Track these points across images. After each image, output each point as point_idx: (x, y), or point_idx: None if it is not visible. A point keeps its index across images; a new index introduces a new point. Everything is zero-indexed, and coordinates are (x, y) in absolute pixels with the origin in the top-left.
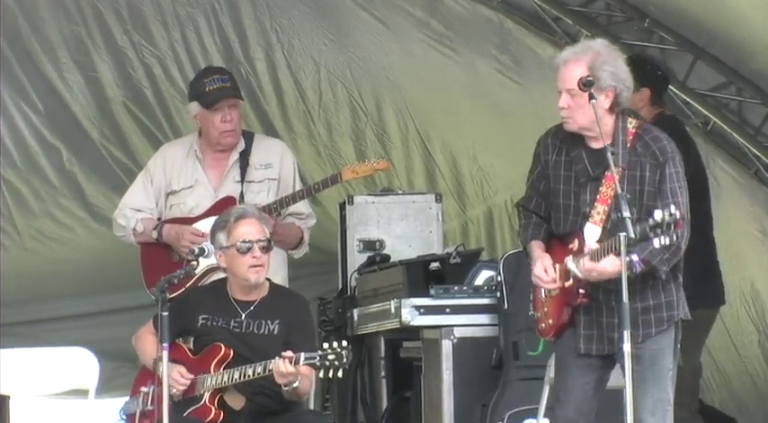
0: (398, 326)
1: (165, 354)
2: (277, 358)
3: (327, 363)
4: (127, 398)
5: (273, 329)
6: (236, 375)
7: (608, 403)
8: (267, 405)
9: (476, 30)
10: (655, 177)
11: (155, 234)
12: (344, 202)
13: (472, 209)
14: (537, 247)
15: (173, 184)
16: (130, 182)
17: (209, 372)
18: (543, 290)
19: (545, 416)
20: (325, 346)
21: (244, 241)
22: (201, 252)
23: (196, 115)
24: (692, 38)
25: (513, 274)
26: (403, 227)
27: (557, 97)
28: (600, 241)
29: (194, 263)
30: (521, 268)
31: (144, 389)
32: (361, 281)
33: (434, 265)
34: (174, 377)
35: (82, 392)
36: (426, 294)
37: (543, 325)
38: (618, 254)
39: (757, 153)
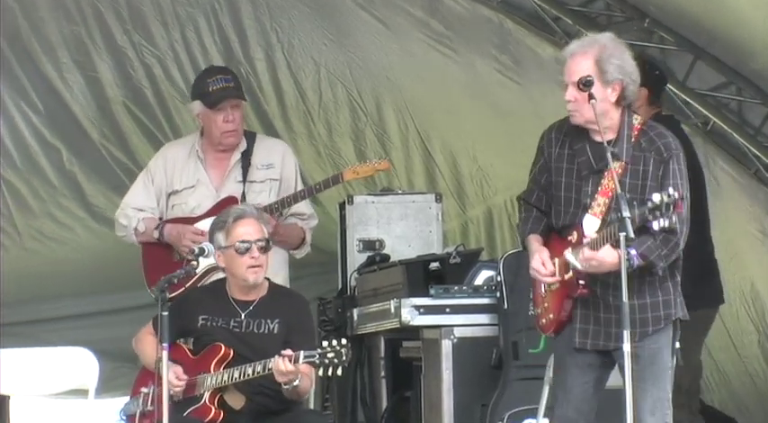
0: (398, 326)
1: (164, 354)
2: (277, 357)
3: (327, 361)
4: (127, 398)
5: (273, 329)
6: (236, 375)
7: (607, 403)
8: (267, 404)
9: (476, 30)
10: (658, 173)
11: (156, 234)
12: (344, 202)
13: (472, 209)
14: (535, 241)
15: (174, 183)
16: (130, 182)
17: (210, 372)
18: (543, 285)
19: (545, 416)
20: (325, 344)
21: (242, 241)
22: (201, 252)
23: (198, 114)
24: (692, 38)
25: (512, 274)
26: (403, 227)
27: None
28: (599, 231)
29: (194, 263)
30: (520, 268)
31: (144, 389)
32: (360, 281)
33: (434, 264)
34: (170, 378)
35: (82, 392)
36: (426, 294)
37: (544, 320)
38: (616, 244)
39: (757, 153)
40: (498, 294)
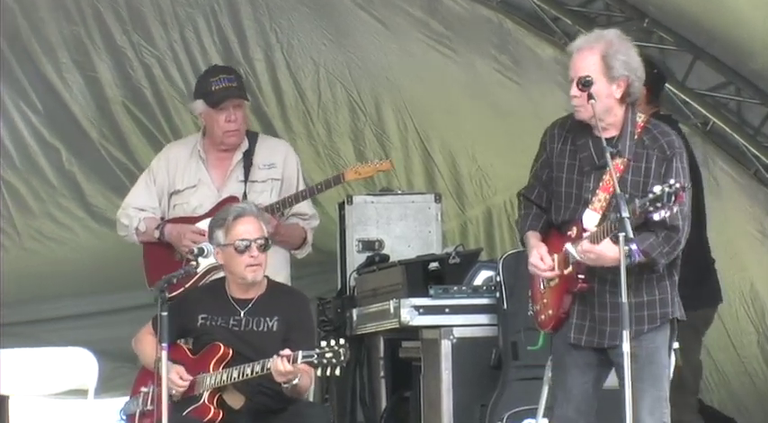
0: (397, 326)
1: (164, 354)
2: (275, 357)
3: (325, 361)
4: (126, 398)
5: (272, 326)
6: (235, 374)
7: (605, 403)
8: (267, 404)
9: (475, 30)
10: (660, 170)
11: (157, 233)
12: (344, 202)
13: (471, 209)
14: (533, 237)
15: (176, 183)
16: (130, 182)
17: (209, 371)
18: (542, 281)
19: (544, 416)
20: (323, 344)
21: (242, 240)
22: (201, 252)
23: (201, 114)
24: (691, 38)
25: (512, 274)
26: (402, 227)
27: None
28: (599, 226)
29: (193, 263)
30: (520, 268)
31: (144, 389)
32: (360, 281)
33: (434, 265)
34: (173, 378)
35: (81, 392)
36: (425, 294)
37: (543, 316)
38: (616, 238)
39: (757, 153)
40: (498, 295)
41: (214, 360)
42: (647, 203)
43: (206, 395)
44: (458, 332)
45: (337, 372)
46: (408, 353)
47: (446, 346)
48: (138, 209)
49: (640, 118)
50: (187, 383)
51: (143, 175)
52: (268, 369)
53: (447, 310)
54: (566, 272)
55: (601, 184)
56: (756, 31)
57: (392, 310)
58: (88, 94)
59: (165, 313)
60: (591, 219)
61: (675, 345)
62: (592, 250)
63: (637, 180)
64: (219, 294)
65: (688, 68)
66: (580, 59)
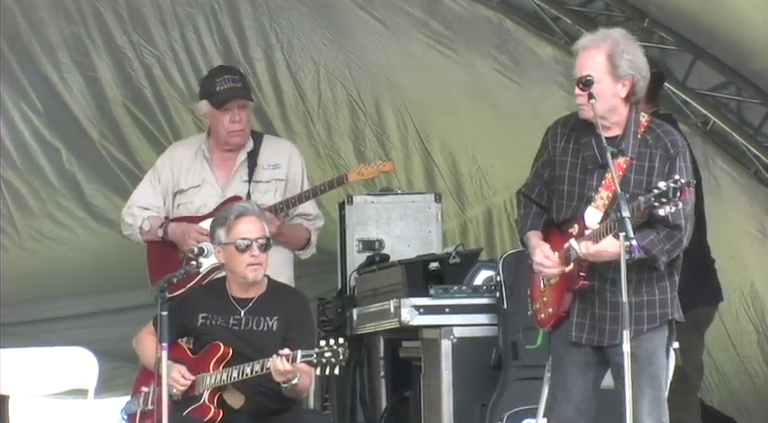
0: (398, 326)
1: (164, 353)
2: (274, 356)
3: (324, 360)
4: (126, 398)
5: (272, 326)
6: (235, 374)
7: (603, 403)
8: (266, 404)
9: (475, 30)
10: (664, 169)
11: (160, 232)
12: (344, 202)
13: (471, 209)
14: (535, 236)
15: (180, 183)
16: (130, 182)
17: (209, 371)
18: (541, 280)
19: (544, 415)
20: (322, 343)
21: (243, 239)
22: (201, 252)
23: (205, 114)
24: (691, 38)
25: (512, 274)
26: (402, 227)
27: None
28: (601, 223)
29: (194, 262)
30: (520, 268)
31: (144, 389)
32: (360, 281)
33: (434, 264)
34: (175, 377)
35: (81, 392)
36: (426, 294)
37: (543, 315)
38: (617, 235)
39: (757, 153)
40: (498, 294)
41: (214, 359)
42: (653, 199)
43: (206, 395)
44: (458, 332)
45: (336, 371)
46: (408, 353)
47: (446, 346)
48: (143, 208)
49: (644, 117)
50: (189, 382)
51: (148, 175)
52: (268, 368)
53: (447, 309)
54: (567, 269)
55: (603, 182)
56: (756, 31)
57: (392, 310)
58: (88, 94)
59: (165, 313)
60: (593, 216)
61: (675, 344)
62: (597, 250)
63: (640, 179)
64: (220, 294)
65: (688, 68)
66: (586, 58)
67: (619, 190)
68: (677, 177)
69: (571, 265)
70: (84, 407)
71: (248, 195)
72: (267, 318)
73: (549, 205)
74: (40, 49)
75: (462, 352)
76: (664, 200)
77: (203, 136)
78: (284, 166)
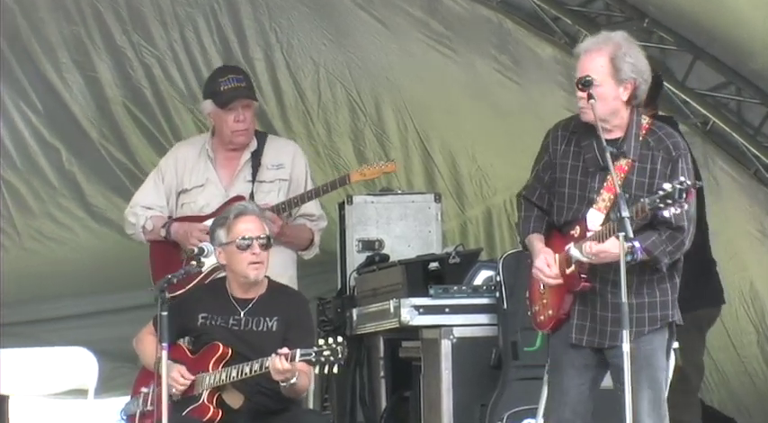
0: (397, 326)
1: (164, 353)
2: (273, 355)
3: (323, 359)
4: (126, 398)
5: (272, 326)
6: (234, 373)
7: (602, 403)
8: (266, 404)
9: (475, 30)
10: (666, 171)
11: (163, 232)
12: (344, 202)
13: (471, 209)
14: (537, 240)
15: (184, 182)
16: (130, 182)
17: (208, 371)
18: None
19: (544, 416)
20: (321, 342)
21: (243, 238)
22: (201, 252)
23: (209, 113)
24: (691, 38)
25: (512, 274)
26: (402, 227)
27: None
28: (603, 225)
29: (193, 263)
30: (520, 268)
31: (144, 389)
32: (360, 281)
33: (433, 264)
34: (174, 377)
35: (81, 392)
36: (425, 294)
37: (542, 317)
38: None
39: (756, 153)
40: (497, 294)
41: (213, 359)
42: (658, 200)
43: (205, 395)
44: (458, 332)
45: (335, 370)
46: (408, 353)
47: (446, 346)
48: (146, 207)
49: (645, 120)
50: (188, 382)
51: (151, 174)
52: (267, 368)
53: (447, 309)
54: (568, 271)
55: (605, 184)
56: (756, 31)
57: (392, 310)
58: (88, 94)
59: (165, 313)
60: (595, 218)
61: (675, 344)
62: (601, 250)
63: (642, 181)
64: (220, 294)
65: (688, 68)
66: (588, 61)
67: (618, 190)
68: (683, 179)
69: (572, 267)
70: (84, 407)
71: (251, 195)
72: (267, 318)
73: (549, 208)
74: (40, 49)
75: (462, 352)
76: (669, 201)
77: (207, 136)
78: (288, 166)
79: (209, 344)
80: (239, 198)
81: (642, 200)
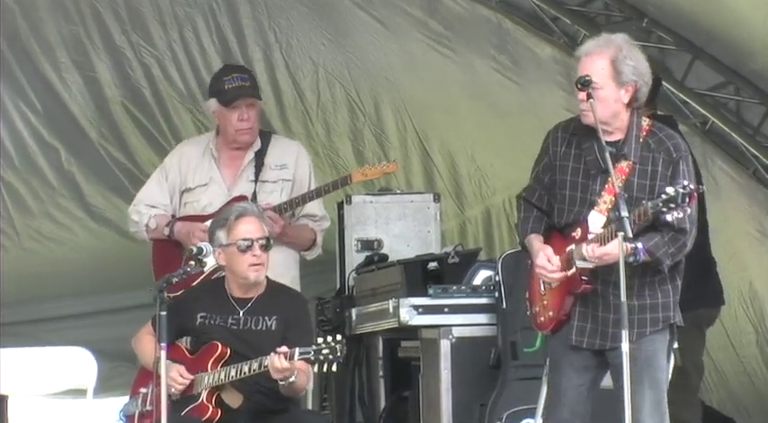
0: (397, 325)
1: (163, 353)
2: (272, 354)
3: (322, 357)
4: (125, 398)
5: (271, 325)
6: (233, 373)
7: (602, 403)
8: (265, 403)
9: (474, 30)
10: (667, 173)
11: (167, 231)
12: (342, 202)
13: (470, 209)
14: (537, 240)
15: (188, 181)
16: (129, 182)
17: (207, 370)
18: (542, 283)
19: (543, 415)
20: (320, 340)
21: (244, 239)
22: (200, 251)
23: (214, 112)
24: (690, 37)
25: (511, 273)
26: (401, 226)
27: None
28: (604, 227)
29: (192, 262)
30: (519, 268)
31: (143, 390)
32: (359, 280)
33: (433, 264)
34: (173, 376)
35: (80, 392)
36: (424, 294)
37: (542, 318)
38: (624, 237)
39: (756, 153)
40: (497, 294)
41: (212, 359)
42: (660, 204)
43: (204, 394)
44: (457, 332)
45: (334, 368)
46: (407, 352)
47: (445, 346)
48: (149, 206)
49: (645, 121)
50: (187, 382)
51: (155, 172)
52: (266, 367)
53: (446, 309)
54: (569, 273)
55: (606, 186)
56: (756, 31)
57: (391, 310)
58: (87, 94)
59: (163, 313)
60: (596, 220)
61: (674, 344)
62: (603, 252)
63: (643, 183)
64: (219, 294)
65: (687, 68)
66: (589, 64)
67: (618, 190)
68: (686, 183)
69: (573, 269)
70: (83, 407)
71: (254, 195)
72: (266, 317)
73: (549, 209)
74: (39, 49)
75: (461, 352)
76: (672, 205)
77: (212, 134)
78: (291, 166)
79: (208, 343)
80: (242, 198)
81: (644, 203)
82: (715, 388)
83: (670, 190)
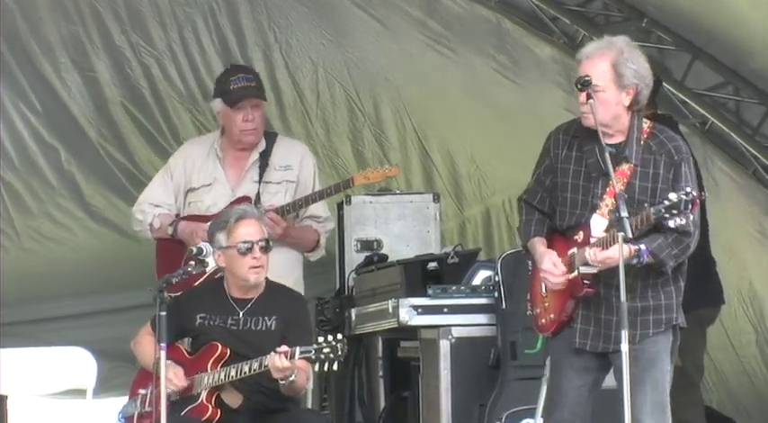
0: (396, 325)
1: (162, 353)
2: (273, 353)
3: (322, 356)
4: (124, 398)
5: (271, 326)
6: (233, 373)
7: (603, 403)
8: (265, 403)
9: (474, 29)
10: (669, 175)
11: (170, 230)
12: (342, 202)
13: (470, 209)
14: (540, 244)
15: (192, 181)
16: (129, 182)
17: (207, 371)
18: (543, 285)
19: (542, 415)
20: (320, 339)
21: (244, 242)
22: (200, 252)
23: (219, 112)
24: (690, 38)
25: (510, 273)
26: (401, 227)
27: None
28: (607, 231)
29: (192, 262)
30: (518, 268)
31: (142, 391)
32: (358, 281)
33: (432, 264)
34: (169, 376)
35: (80, 392)
36: (424, 294)
37: (544, 320)
38: (625, 240)
39: (755, 153)
40: (496, 294)
41: (212, 360)
42: (663, 210)
43: (204, 394)
44: (456, 332)
45: (335, 367)
46: (407, 353)
47: (445, 346)
48: (154, 205)
49: (646, 123)
50: (183, 384)
51: (160, 172)
52: (266, 366)
53: (445, 309)
54: (571, 276)
55: (608, 189)
56: (756, 31)
57: (391, 310)
58: (87, 94)
59: (163, 313)
60: (599, 224)
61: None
62: (606, 256)
63: (645, 185)
64: (219, 294)
65: (687, 68)
66: (590, 67)
67: (618, 190)
68: (689, 190)
69: (575, 273)
70: (83, 407)
71: (258, 196)
72: (266, 318)
73: (550, 212)
74: (39, 49)
75: (461, 352)
76: (674, 211)
77: (217, 134)
78: (296, 167)
79: (208, 344)
80: (245, 199)
81: (647, 208)
82: (715, 388)
83: (673, 196)
